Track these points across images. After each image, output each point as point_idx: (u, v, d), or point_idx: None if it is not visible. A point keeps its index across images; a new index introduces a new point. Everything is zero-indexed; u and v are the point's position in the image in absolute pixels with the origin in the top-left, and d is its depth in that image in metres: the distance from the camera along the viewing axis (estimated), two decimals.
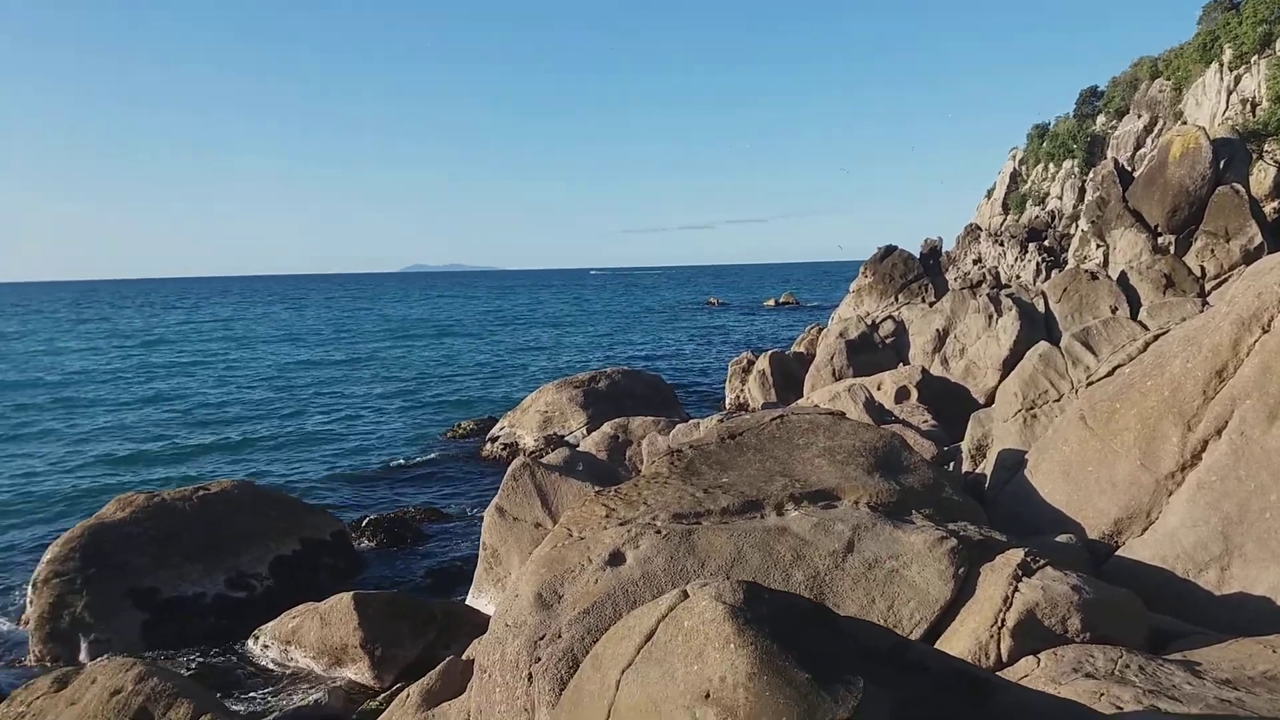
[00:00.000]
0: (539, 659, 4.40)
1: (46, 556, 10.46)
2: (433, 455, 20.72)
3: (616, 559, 4.82)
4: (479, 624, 8.66)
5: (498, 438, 20.71)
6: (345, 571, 11.92)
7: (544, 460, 11.14)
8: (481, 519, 10.61)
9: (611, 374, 21.72)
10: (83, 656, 9.59)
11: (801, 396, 18.64)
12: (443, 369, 38.24)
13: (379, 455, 21.12)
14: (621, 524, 5.20)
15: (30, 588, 10.29)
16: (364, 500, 17.06)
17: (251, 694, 8.52)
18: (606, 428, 15.39)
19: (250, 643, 9.37)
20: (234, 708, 7.83)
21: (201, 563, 10.79)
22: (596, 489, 6.23)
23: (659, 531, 5.03)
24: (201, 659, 9.20)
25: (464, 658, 6.70)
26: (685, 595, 3.15)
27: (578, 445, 15.74)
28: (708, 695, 2.73)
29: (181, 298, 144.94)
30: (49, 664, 9.57)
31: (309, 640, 8.75)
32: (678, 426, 12.49)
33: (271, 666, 9.10)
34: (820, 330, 27.59)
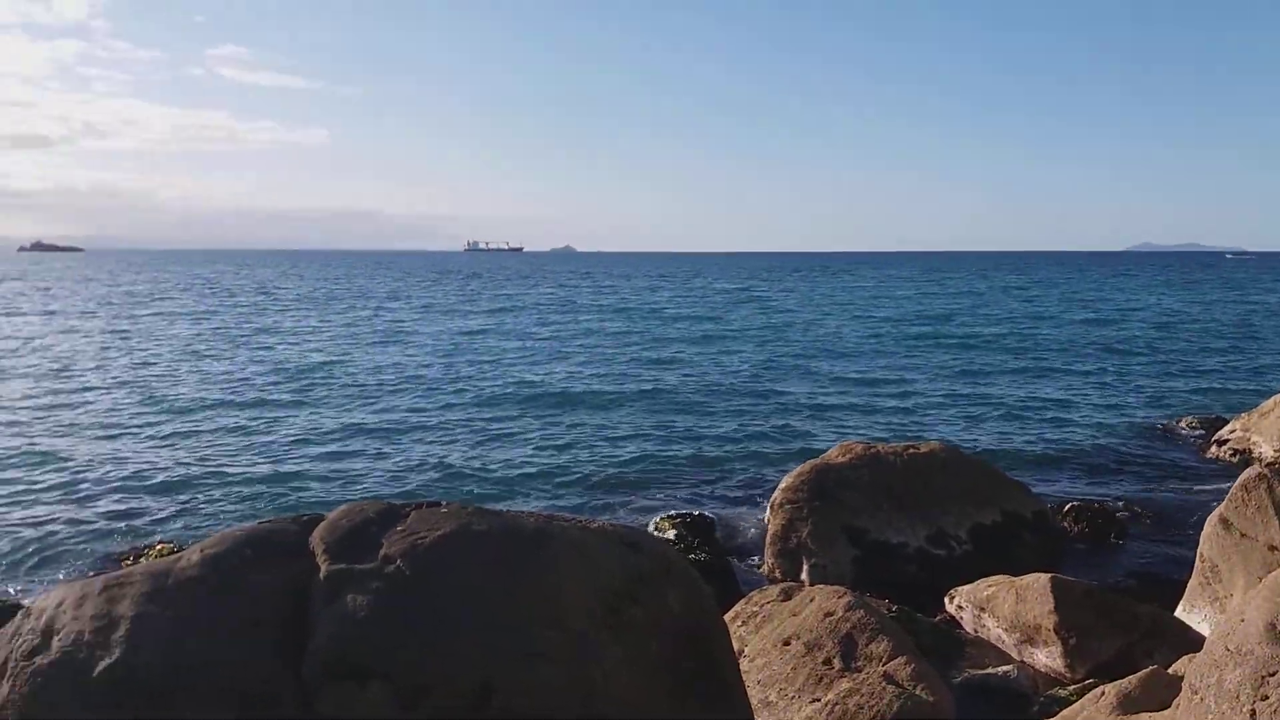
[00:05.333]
0: (1266, 696, 3.98)
1: (781, 485, 12.41)
2: (1145, 447, 19.08)
3: None
4: (1189, 640, 7.94)
5: (1226, 440, 18.14)
6: (1043, 552, 11.75)
7: None
8: (1197, 528, 9.60)
9: None
10: (803, 575, 11.18)
11: None
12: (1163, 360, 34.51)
13: (1088, 437, 20.21)
14: None
15: (768, 509, 12.33)
16: (1065, 481, 16.55)
17: (941, 649, 8.99)
18: None
19: (946, 600, 9.88)
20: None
21: (906, 514, 11.67)
22: None
23: None
24: (899, 604, 9.92)
25: (1169, 671, 6.25)
26: None
27: None
28: None
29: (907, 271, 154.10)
30: (776, 576, 11.39)
31: (1002, 612, 8.93)
32: None
33: (963, 628, 9.52)
34: None
